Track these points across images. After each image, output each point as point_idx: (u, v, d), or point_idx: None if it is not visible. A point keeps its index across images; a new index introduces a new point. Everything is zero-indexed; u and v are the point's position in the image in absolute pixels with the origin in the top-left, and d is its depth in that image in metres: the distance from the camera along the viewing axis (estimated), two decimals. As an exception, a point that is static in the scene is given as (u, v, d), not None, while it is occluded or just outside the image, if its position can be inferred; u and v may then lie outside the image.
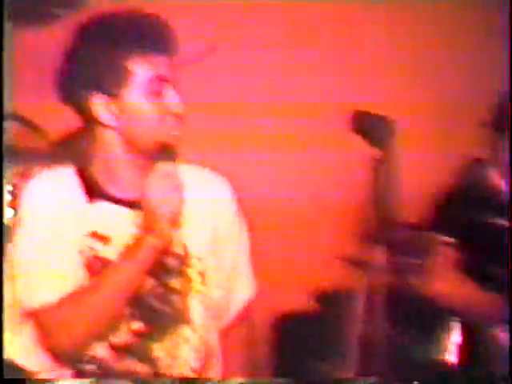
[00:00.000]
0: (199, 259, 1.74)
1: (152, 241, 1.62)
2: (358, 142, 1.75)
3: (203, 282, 1.74)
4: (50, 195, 1.70)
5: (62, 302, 1.63)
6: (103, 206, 1.71)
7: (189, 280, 1.72)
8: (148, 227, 1.63)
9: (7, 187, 2.84)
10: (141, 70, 1.66)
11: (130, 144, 1.69)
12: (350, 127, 1.74)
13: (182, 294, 1.72)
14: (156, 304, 1.71)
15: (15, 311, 1.67)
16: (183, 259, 1.73)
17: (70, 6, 3.08)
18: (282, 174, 3.50)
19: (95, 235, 1.68)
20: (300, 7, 3.49)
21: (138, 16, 1.68)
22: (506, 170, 2.49)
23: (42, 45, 3.76)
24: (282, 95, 3.50)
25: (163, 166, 1.64)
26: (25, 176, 2.94)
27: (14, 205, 2.83)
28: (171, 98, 1.67)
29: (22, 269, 1.66)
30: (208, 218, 1.79)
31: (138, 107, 1.66)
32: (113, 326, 1.67)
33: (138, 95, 1.66)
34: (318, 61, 3.53)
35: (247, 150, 3.40)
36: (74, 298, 1.63)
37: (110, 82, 1.66)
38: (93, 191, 1.71)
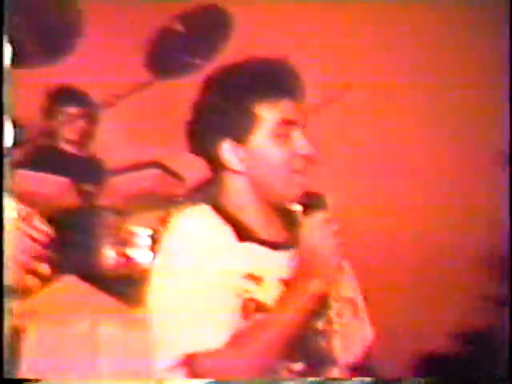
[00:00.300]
0: (337, 301, 1.73)
1: (316, 286, 1.62)
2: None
3: (341, 324, 1.74)
4: (198, 232, 1.66)
5: (225, 347, 1.57)
6: (252, 246, 1.68)
7: (330, 321, 1.72)
8: (312, 273, 1.62)
9: (148, 231, 2.97)
10: (269, 114, 1.67)
11: (261, 189, 1.70)
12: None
13: (327, 335, 1.72)
14: (310, 345, 1.68)
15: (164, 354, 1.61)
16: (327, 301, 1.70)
17: (207, 56, 3.19)
18: (424, 214, 3.47)
19: (251, 277, 1.64)
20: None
21: (266, 62, 1.70)
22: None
23: (180, 94, 3.94)
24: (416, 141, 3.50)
25: (317, 214, 1.64)
26: (164, 221, 3.07)
27: (153, 249, 2.97)
28: (299, 140, 1.67)
29: (174, 311, 1.61)
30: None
31: (267, 151, 1.67)
32: (273, 368, 1.63)
33: (266, 139, 1.67)
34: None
35: (384, 191, 3.41)
36: (235, 343, 1.58)
37: (239, 129, 1.67)
38: (240, 230, 1.68)
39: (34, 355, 2.52)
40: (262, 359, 1.58)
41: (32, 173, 3.13)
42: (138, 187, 3.10)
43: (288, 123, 1.67)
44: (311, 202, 1.66)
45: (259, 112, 1.67)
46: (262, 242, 1.68)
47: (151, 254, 2.93)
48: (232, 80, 1.70)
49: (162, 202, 3.14)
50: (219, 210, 1.70)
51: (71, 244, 3.65)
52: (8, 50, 2.74)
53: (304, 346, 1.66)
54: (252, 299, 1.62)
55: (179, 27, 3.21)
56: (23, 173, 3.01)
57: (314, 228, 1.63)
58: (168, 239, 1.67)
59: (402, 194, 3.58)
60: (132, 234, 3.07)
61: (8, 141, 2.72)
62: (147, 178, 3.10)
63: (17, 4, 2.73)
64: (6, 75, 2.73)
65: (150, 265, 2.86)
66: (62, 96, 3.88)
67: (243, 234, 1.66)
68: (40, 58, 2.94)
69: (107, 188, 3.07)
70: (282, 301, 1.62)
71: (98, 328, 2.57)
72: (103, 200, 3.11)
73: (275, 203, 1.71)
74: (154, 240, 3.00)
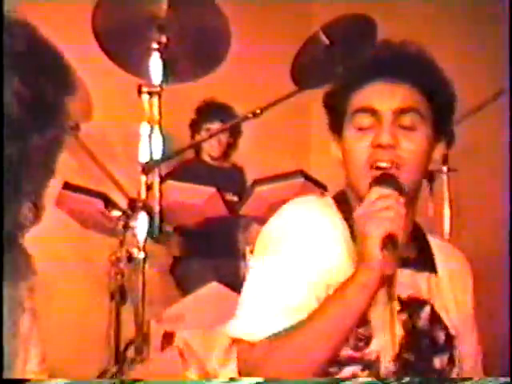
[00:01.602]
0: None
1: (362, 278, 1.46)
2: None
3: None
4: (307, 222, 1.58)
5: (287, 334, 1.48)
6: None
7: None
8: (361, 259, 1.47)
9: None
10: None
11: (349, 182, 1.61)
12: None
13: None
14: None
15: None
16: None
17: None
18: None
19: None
20: None
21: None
22: None
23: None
24: None
25: (378, 190, 1.49)
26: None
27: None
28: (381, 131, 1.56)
29: (262, 290, 1.55)
30: (449, 290, 1.68)
31: (353, 141, 1.59)
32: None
33: (353, 130, 1.59)
34: None
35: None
36: (294, 332, 1.47)
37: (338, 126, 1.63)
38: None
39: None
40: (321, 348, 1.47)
41: (181, 183, 3.24)
42: (283, 197, 3.13)
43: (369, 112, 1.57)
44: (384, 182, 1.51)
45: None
46: None
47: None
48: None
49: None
50: (340, 205, 1.63)
51: (216, 251, 3.77)
52: (159, 66, 2.88)
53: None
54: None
55: (324, 37, 3.22)
56: (172, 183, 3.12)
57: (370, 204, 1.47)
58: (271, 225, 1.61)
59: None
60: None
61: (157, 153, 2.84)
62: (291, 188, 3.13)
63: (168, 22, 2.86)
64: (157, 90, 2.86)
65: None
66: (207, 111, 4.01)
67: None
68: (189, 73, 3.04)
69: (252, 198, 3.13)
70: (332, 295, 1.50)
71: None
72: (248, 210, 3.17)
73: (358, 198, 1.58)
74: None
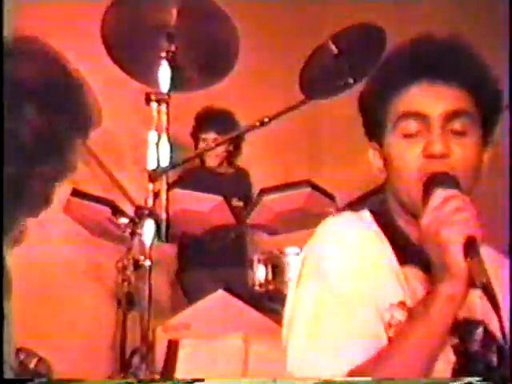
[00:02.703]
0: None
1: (447, 290, 1.31)
2: None
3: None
4: (353, 243, 1.46)
5: (368, 365, 1.36)
6: (412, 271, 1.45)
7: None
8: (442, 270, 1.31)
9: (297, 249, 3.00)
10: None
11: (397, 195, 1.49)
12: None
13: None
14: None
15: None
16: None
17: (360, 75, 3.18)
18: None
19: (402, 305, 1.42)
20: None
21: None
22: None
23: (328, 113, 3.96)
24: None
25: (442, 192, 1.35)
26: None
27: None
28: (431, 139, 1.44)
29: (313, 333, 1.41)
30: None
31: (399, 148, 1.46)
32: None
33: (399, 136, 1.47)
34: None
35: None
36: (376, 362, 1.36)
37: (380, 131, 1.51)
38: (401, 250, 1.46)
39: (188, 366, 2.59)
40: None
41: (188, 191, 3.24)
42: (290, 206, 3.14)
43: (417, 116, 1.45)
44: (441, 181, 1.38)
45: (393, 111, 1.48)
46: (424, 266, 1.42)
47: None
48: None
49: (312, 221, 3.16)
50: (375, 215, 1.52)
51: (223, 259, 3.76)
52: (168, 74, 2.88)
53: None
54: (397, 325, 1.40)
55: (333, 47, 3.22)
56: (179, 191, 3.13)
57: (438, 207, 1.33)
58: (315, 248, 1.48)
59: None
60: (282, 251, 3.11)
61: (164, 161, 2.85)
62: (298, 197, 3.13)
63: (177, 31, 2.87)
64: (165, 98, 2.87)
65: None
66: (201, 121, 4.01)
67: (404, 254, 1.45)
68: (198, 82, 3.04)
69: (259, 207, 3.13)
70: (413, 313, 1.37)
71: (248, 344, 2.62)
72: (255, 219, 3.17)
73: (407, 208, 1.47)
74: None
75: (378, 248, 1.46)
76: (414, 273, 1.45)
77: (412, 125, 1.44)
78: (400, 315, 1.40)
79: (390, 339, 1.38)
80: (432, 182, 1.38)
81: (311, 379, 1.38)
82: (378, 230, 1.49)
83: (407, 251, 1.46)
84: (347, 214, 1.56)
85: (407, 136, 1.45)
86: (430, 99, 1.44)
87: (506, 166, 2.51)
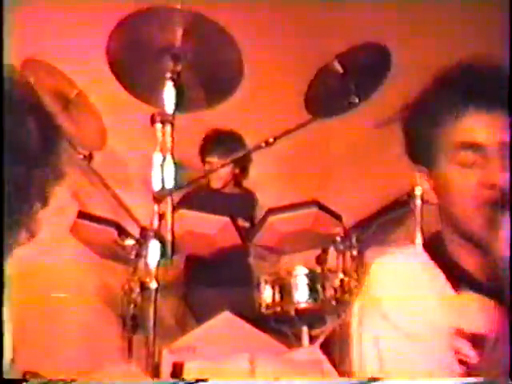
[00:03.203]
0: None
1: None
2: None
3: None
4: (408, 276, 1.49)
5: None
6: (467, 296, 1.45)
7: None
8: None
9: (305, 269, 2.99)
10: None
11: (450, 222, 1.50)
12: None
13: None
14: None
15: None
16: None
17: (365, 95, 3.18)
18: None
19: (461, 333, 1.41)
20: None
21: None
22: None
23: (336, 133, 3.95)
24: None
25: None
26: (320, 259, 3.09)
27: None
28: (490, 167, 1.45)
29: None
30: None
31: (452, 178, 1.48)
32: None
33: (455, 166, 1.48)
34: None
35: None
36: None
37: (428, 155, 1.52)
38: (454, 276, 1.46)
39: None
40: None
41: (193, 212, 3.23)
42: (296, 226, 3.12)
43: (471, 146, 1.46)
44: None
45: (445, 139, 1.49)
46: (480, 290, 1.44)
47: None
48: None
49: (319, 241, 3.15)
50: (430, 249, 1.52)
51: (229, 281, 3.74)
52: (173, 95, 2.88)
53: None
54: (463, 361, 1.39)
55: (338, 66, 3.23)
56: (185, 213, 3.11)
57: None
58: (374, 282, 1.51)
59: None
60: (289, 272, 3.09)
61: (169, 182, 2.84)
62: (305, 217, 3.12)
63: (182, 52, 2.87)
64: (170, 119, 2.87)
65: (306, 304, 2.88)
66: (206, 145, 3.98)
67: (458, 280, 1.46)
68: (202, 102, 3.04)
69: (265, 227, 3.11)
70: None
71: (255, 366, 2.60)
72: (262, 239, 3.16)
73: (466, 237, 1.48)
74: (311, 279, 3.02)
75: (430, 279, 1.46)
76: (472, 298, 1.45)
77: (470, 156, 1.45)
78: (462, 343, 1.39)
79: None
80: (497, 209, 1.39)
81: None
82: (431, 262, 1.49)
83: (460, 276, 1.46)
84: (407, 250, 1.59)
85: (464, 165, 1.46)
86: (485, 129, 1.46)
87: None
